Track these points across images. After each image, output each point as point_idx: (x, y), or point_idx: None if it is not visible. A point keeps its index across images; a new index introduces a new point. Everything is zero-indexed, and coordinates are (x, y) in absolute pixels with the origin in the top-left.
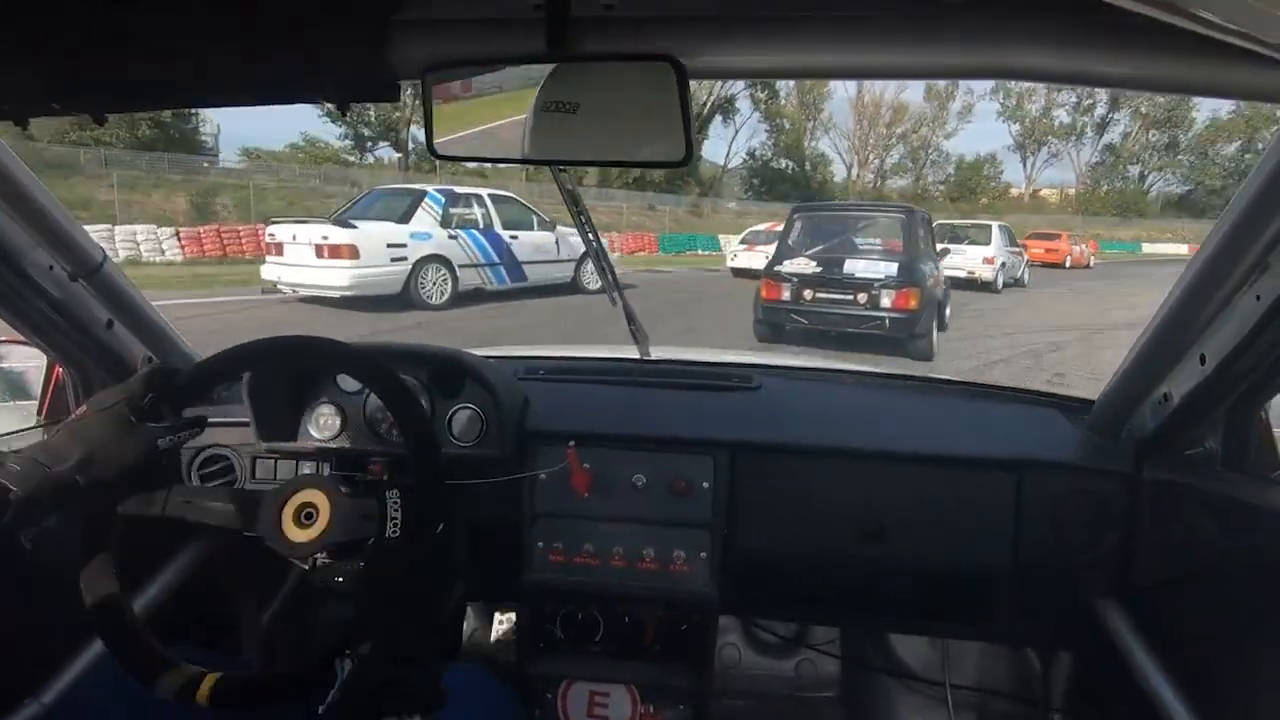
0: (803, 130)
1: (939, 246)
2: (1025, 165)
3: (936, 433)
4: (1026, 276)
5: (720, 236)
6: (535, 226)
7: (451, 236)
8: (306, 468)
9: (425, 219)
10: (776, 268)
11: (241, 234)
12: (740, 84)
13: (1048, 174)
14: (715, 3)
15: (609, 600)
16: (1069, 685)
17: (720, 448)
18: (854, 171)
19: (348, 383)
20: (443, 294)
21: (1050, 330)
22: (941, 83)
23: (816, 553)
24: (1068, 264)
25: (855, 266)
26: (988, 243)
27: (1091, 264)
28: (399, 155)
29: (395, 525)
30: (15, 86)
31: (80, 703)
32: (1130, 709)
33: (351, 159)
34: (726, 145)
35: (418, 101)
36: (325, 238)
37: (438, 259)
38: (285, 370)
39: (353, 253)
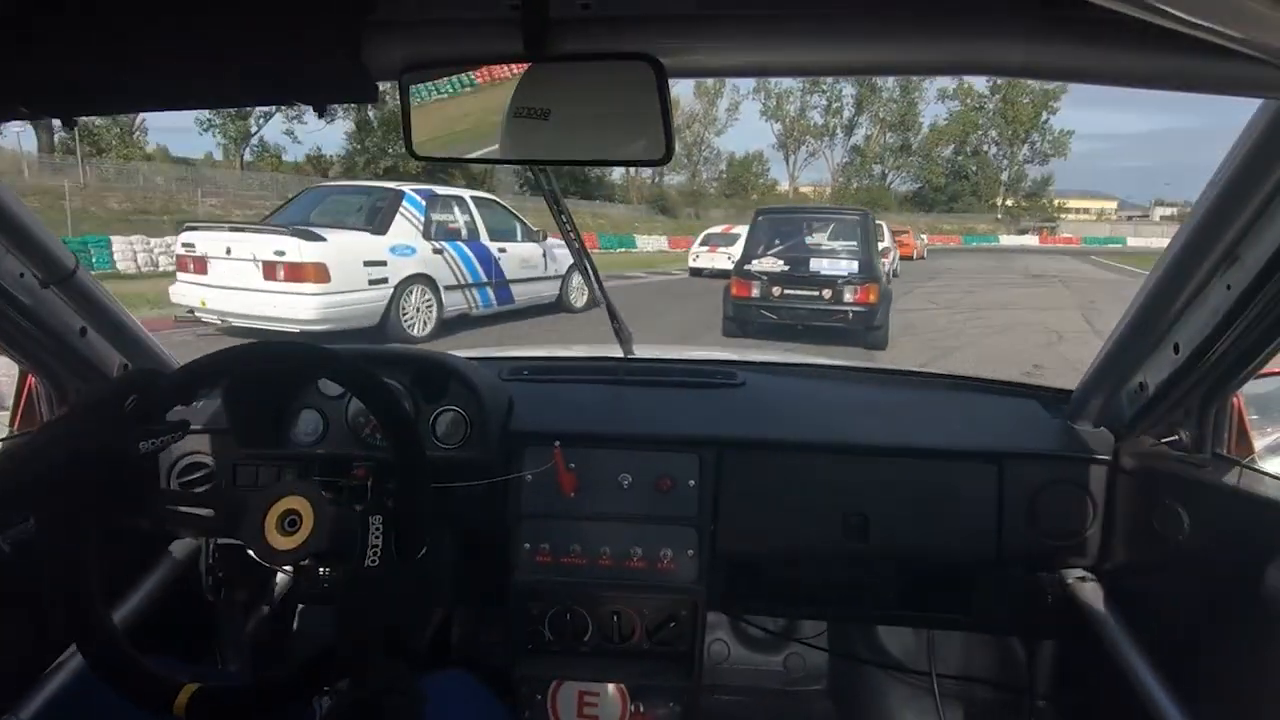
0: None
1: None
2: (788, 163)
3: (918, 426)
4: (898, 269)
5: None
6: (521, 236)
7: (437, 251)
8: (289, 474)
9: (406, 228)
10: (746, 267)
11: None
12: None
13: (808, 173)
14: (693, 2)
15: (597, 600)
16: (1051, 671)
17: (706, 445)
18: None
19: (329, 387)
20: (426, 323)
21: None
22: (710, 80)
23: (803, 547)
24: (915, 256)
25: (820, 265)
26: (880, 239)
27: (926, 256)
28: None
29: (375, 554)
30: None
31: (59, 715)
32: (1112, 693)
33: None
34: None
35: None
36: (280, 253)
37: (423, 279)
38: (266, 375)
39: (321, 274)
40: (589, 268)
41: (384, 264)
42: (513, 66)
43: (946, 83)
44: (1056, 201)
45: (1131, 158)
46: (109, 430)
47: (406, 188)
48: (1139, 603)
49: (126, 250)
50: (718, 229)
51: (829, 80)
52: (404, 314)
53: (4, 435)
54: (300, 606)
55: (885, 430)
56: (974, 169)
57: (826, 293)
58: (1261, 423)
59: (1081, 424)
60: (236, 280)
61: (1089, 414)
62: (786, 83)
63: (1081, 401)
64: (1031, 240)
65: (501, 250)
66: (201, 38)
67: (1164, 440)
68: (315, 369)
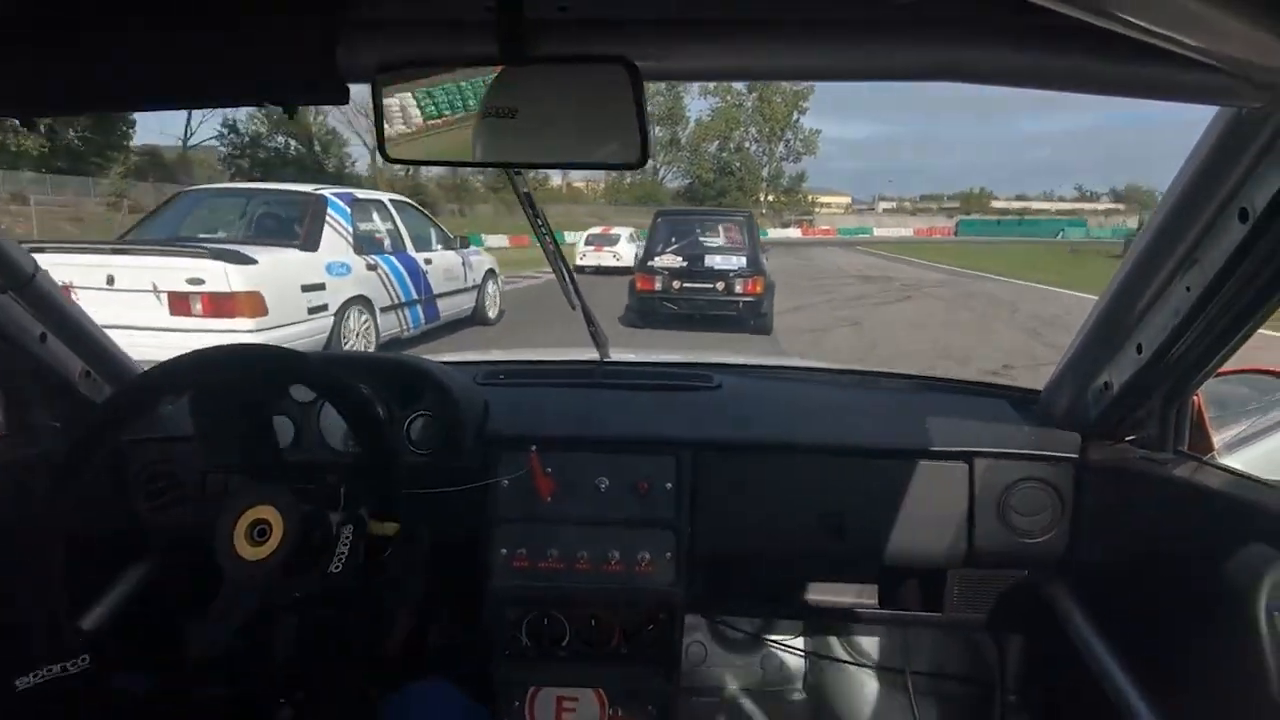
0: None
1: None
2: None
3: (891, 426)
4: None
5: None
6: (439, 243)
7: (370, 267)
8: (259, 482)
9: (337, 242)
10: (649, 263)
11: None
12: None
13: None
14: (669, 5)
15: (575, 604)
16: (1021, 666)
17: (682, 447)
18: (380, 157)
19: (301, 393)
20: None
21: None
22: None
23: (778, 548)
24: None
25: (714, 260)
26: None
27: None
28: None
29: (340, 561)
30: None
31: None
32: (1080, 686)
33: None
34: (185, 116)
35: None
36: (197, 281)
37: (360, 301)
38: (235, 381)
39: (256, 305)
40: (565, 272)
41: (322, 287)
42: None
43: None
44: (810, 197)
45: (850, 160)
46: None
47: (326, 191)
48: (1105, 598)
49: None
50: (598, 229)
51: None
52: (345, 344)
53: None
54: (270, 616)
55: (859, 431)
56: (738, 165)
57: (720, 285)
58: (1221, 420)
59: (1049, 423)
60: (125, 318)
61: (1056, 413)
62: None
63: (1049, 401)
64: (795, 233)
65: (428, 262)
66: (168, 36)
67: (1128, 438)
68: (286, 374)
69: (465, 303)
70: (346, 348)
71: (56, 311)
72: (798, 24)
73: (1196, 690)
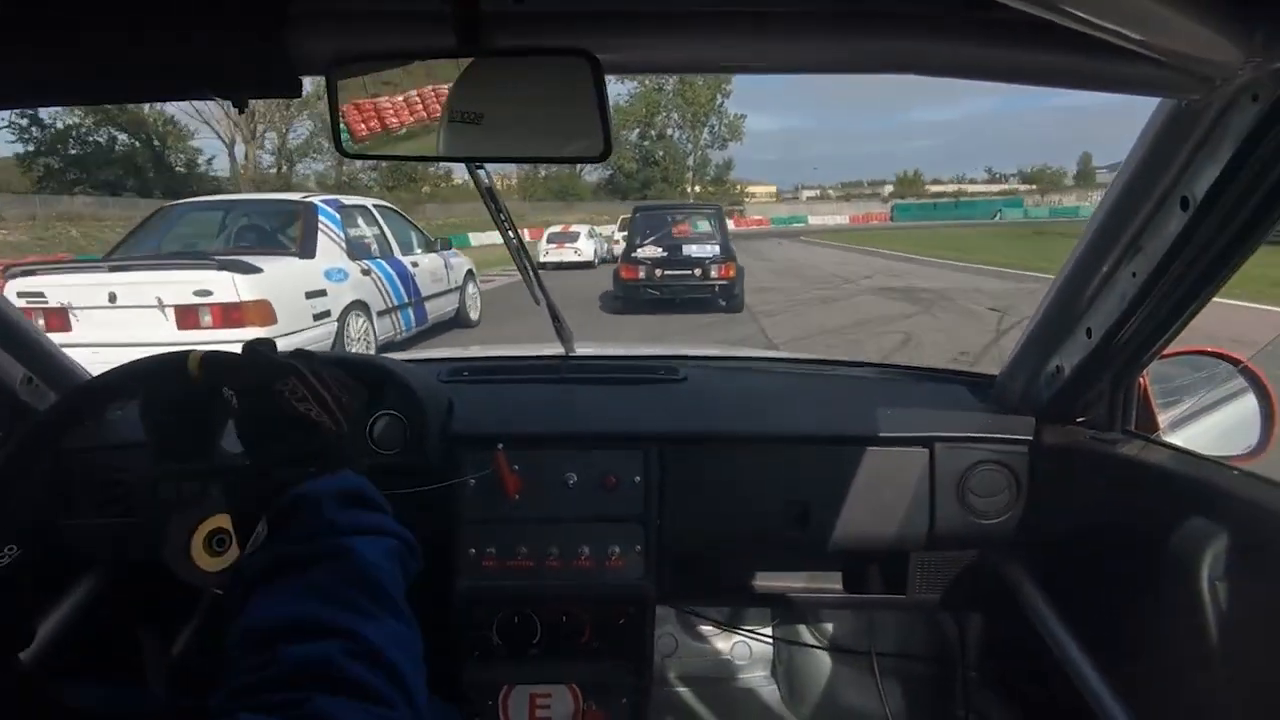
0: None
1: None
2: None
3: (853, 414)
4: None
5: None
6: (421, 247)
7: (365, 272)
8: (214, 489)
9: (331, 249)
10: (632, 255)
11: None
12: None
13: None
14: None
15: (546, 601)
16: (981, 644)
17: (649, 441)
18: (241, 151)
19: (230, 393)
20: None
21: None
22: None
23: (745, 537)
24: None
25: (691, 250)
26: (579, 240)
27: None
28: None
29: None
30: None
31: None
32: (1037, 660)
33: None
34: None
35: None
36: (205, 293)
37: (359, 306)
38: (184, 385)
39: (265, 314)
40: (529, 268)
41: (324, 293)
42: (447, 62)
43: None
44: (740, 186)
45: (767, 151)
46: None
47: (315, 199)
48: (1059, 574)
49: None
50: (558, 228)
51: None
52: (349, 349)
53: None
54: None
55: (823, 419)
56: (662, 154)
57: (697, 271)
58: (1165, 400)
59: (1005, 407)
60: (131, 335)
61: (1011, 397)
62: None
63: (1004, 386)
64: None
65: (415, 265)
66: (109, 26)
67: (1079, 420)
68: (170, 370)
69: (449, 305)
70: (352, 351)
71: None
72: (758, 16)
73: (1146, 658)
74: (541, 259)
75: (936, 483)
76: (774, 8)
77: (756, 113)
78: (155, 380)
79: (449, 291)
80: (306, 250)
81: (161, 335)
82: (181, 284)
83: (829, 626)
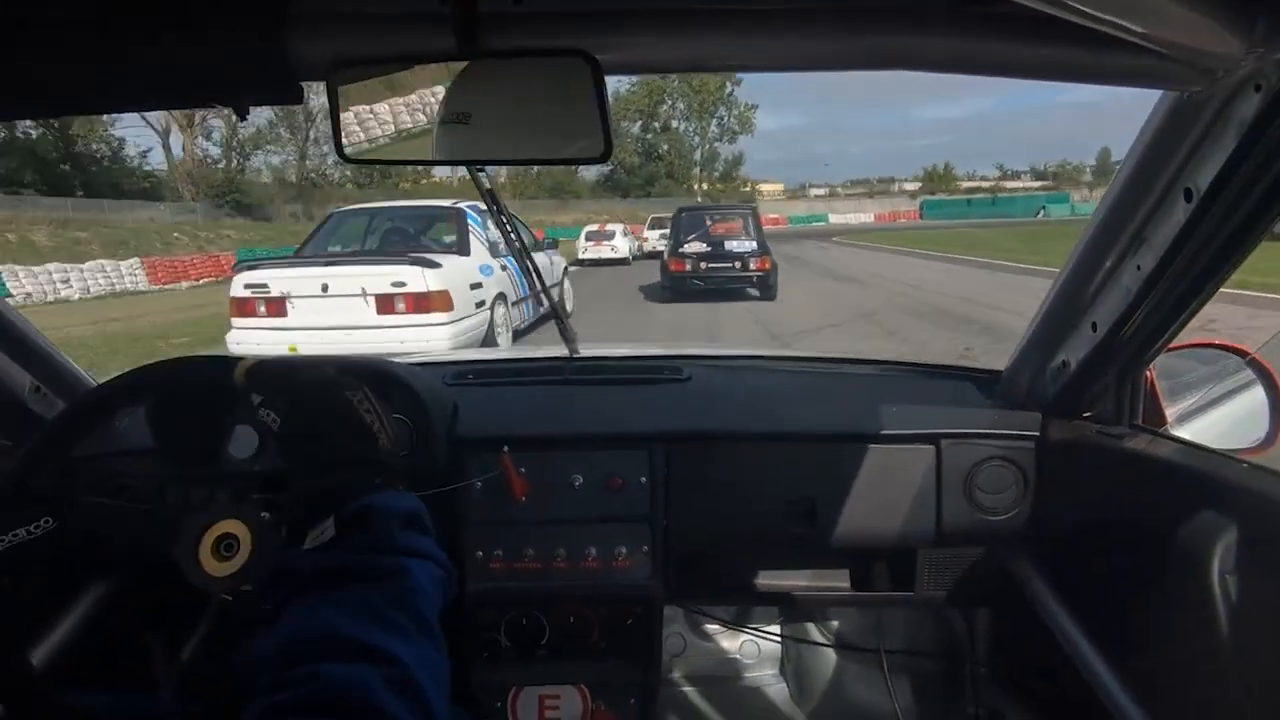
0: None
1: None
2: None
3: (859, 411)
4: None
5: None
6: (531, 245)
7: (502, 268)
8: (223, 494)
9: (479, 248)
10: (679, 250)
11: None
12: None
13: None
14: None
15: (554, 603)
16: (990, 640)
17: (654, 441)
18: (179, 142)
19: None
20: (508, 343)
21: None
22: None
23: (752, 536)
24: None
25: (731, 245)
26: (614, 238)
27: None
28: None
29: None
30: None
31: None
32: (1046, 656)
33: None
34: None
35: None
36: (400, 284)
37: (501, 298)
38: (195, 390)
39: (446, 301)
40: (531, 267)
41: (480, 286)
42: (447, 64)
43: None
44: (751, 184)
45: (768, 151)
46: None
47: (462, 204)
48: (1067, 570)
49: None
50: (594, 227)
51: None
52: (498, 336)
53: None
54: (240, 631)
55: (828, 417)
56: (666, 147)
57: (737, 264)
58: (1172, 393)
59: (1011, 403)
60: (339, 319)
61: (1017, 393)
62: None
63: (1010, 381)
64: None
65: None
66: (109, 35)
67: (1086, 414)
68: (218, 373)
69: (558, 294)
70: (498, 336)
71: (3, 326)
72: (758, 14)
73: (1156, 653)
74: (580, 255)
75: (943, 479)
76: (773, 5)
77: (757, 111)
78: (164, 387)
79: (554, 285)
80: (463, 249)
81: (365, 320)
82: (381, 276)
83: (837, 624)
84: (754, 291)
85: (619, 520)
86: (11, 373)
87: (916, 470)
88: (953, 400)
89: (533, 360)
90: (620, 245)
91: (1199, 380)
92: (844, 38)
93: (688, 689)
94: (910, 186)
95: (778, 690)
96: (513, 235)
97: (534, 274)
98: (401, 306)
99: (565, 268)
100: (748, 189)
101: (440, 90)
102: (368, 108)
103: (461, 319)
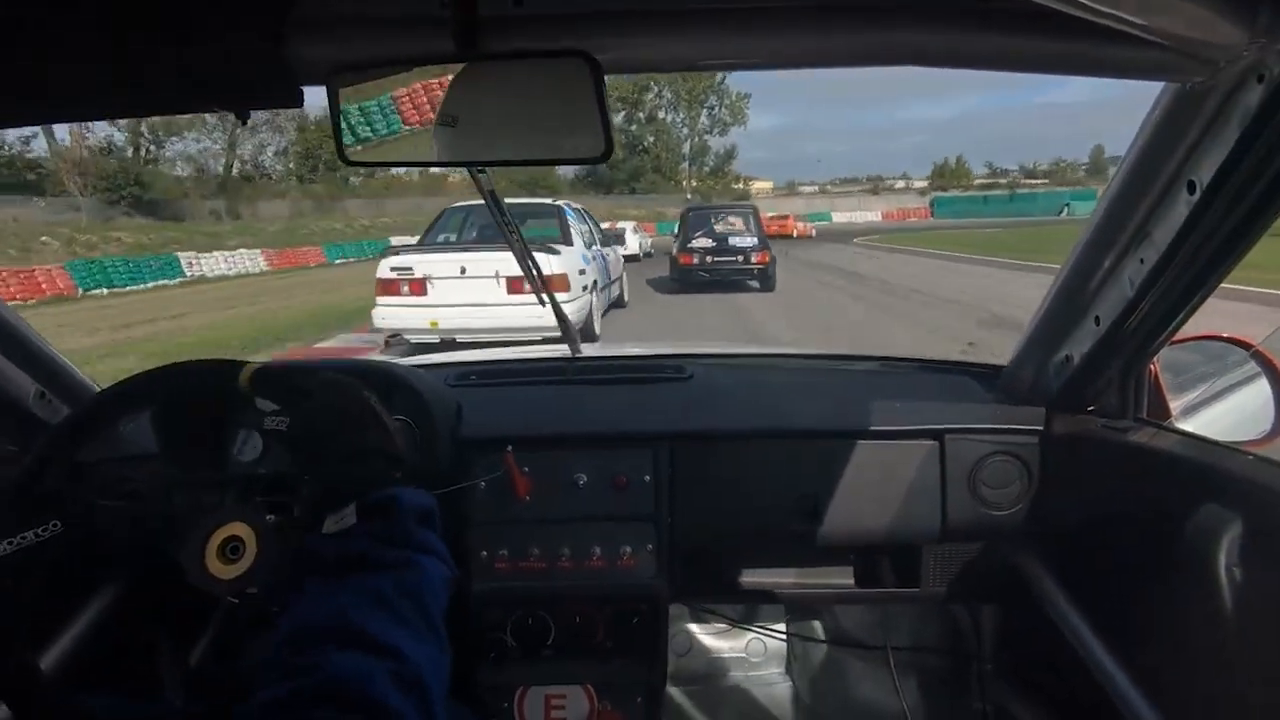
0: None
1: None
2: None
3: (861, 407)
4: (652, 251)
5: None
6: (601, 240)
7: (592, 258)
8: (229, 497)
9: (577, 240)
10: (687, 245)
11: None
12: None
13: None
14: None
15: (559, 602)
16: (996, 635)
17: (658, 440)
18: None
19: (266, 404)
20: (598, 323)
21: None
22: None
23: (757, 534)
24: (795, 234)
25: (734, 241)
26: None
27: (814, 235)
28: None
29: None
30: None
31: None
32: (1052, 651)
33: None
34: None
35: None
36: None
37: (594, 284)
38: (196, 395)
39: (564, 284)
40: (533, 270)
41: (583, 273)
42: (447, 67)
43: None
44: (744, 179)
45: (755, 150)
46: None
47: (560, 201)
48: (1073, 564)
49: None
50: (605, 225)
51: None
52: (594, 317)
53: None
54: (247, 632)
55: (831, 414)
56: (652, 140)
57: (740, 258)
58: (1177, 386)
59: (1014, 397)
60: (474, 298)
61: (1021, 387)
62: None
63: (1013, 376)
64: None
65: (606, 255)
66: (108, 41)
67: (1090, 408)
68: (220, 379)
69: (617, 289)
70: (596, 326)
71: (7, 333)
72: (756, 12)
73: (1163, 647)
74: (624, 252)
75: (947, 475)
76: (772, 3)
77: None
78: (168, 391)
79: (619, 279)
80: (567, 240)
81: (497, 298)
82: (512, 260)
83: (842, 622)
84: (754, 283)
85: (623, 519)
86: (16, 379)
87: (920, 466)
88: (956, 396)
89: (535, 361)
90: (631, 243)
91: (1203, 373)
92: (846, 34)
93: (694, 688)
94: (919, 184)
95: (784, 688)
96: (515, 237)
97: (536, 272)
98: (528, 287)
99: (622, 262)
100: (740, 185)
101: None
102: None
103: (575, 300)
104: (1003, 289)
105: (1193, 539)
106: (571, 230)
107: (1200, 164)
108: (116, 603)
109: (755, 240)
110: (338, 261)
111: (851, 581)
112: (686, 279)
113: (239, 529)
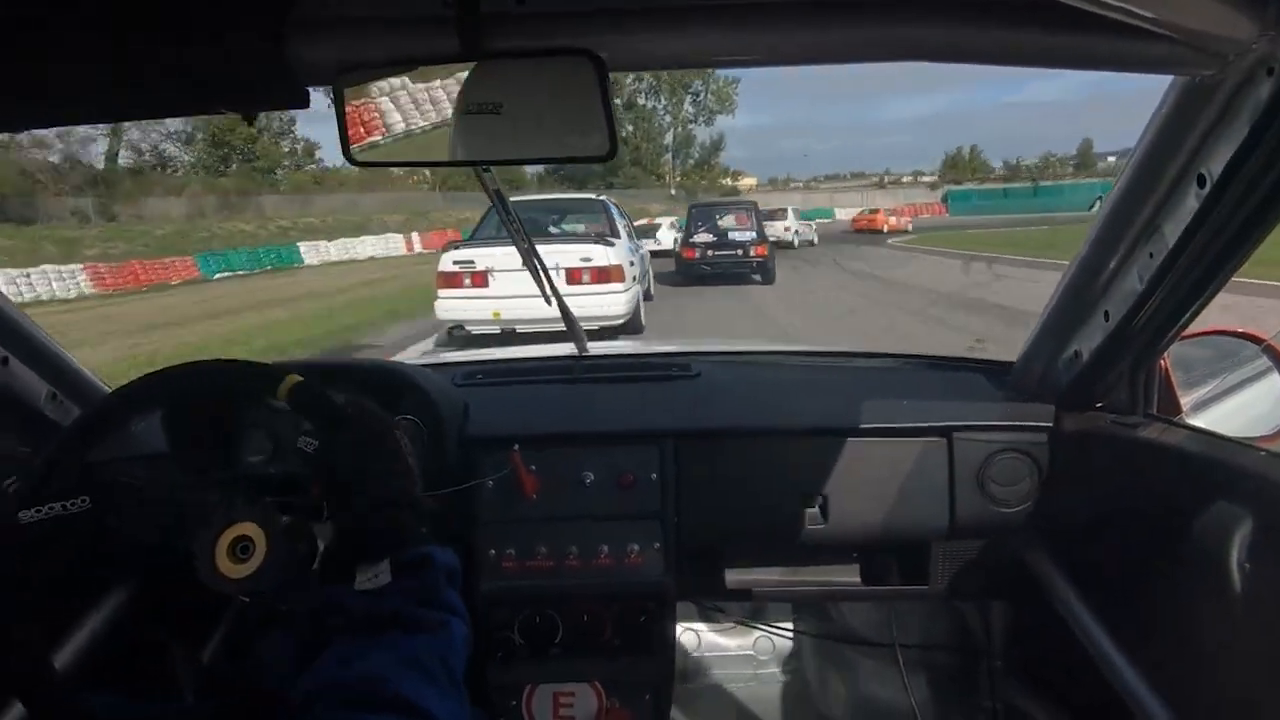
0: None
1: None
2: None
3: (869, 405)
4: (815, 239)
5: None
6: (632, 234)
7: (635, 250)
8: (238, 497)
9: (622, 234)
10: (690, 240)
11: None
12: None
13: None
14: None
15: (567, 601)
16: (1006, 633)
17: (664, 438)
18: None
19: (278, 403)
20: (643, 313)
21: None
22: None
23: (764, 532)
24: (885, 230)
25: (733, 235)
26: (785, 219)
27: (909, 229)
28: None
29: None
30: None
31: None
32: (1063, 649)
33: None
34: None
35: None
36: (587, 259)
37: (638, 275)
38: (209, 396)
39: (620, 274)
40: (539, 267)
41: (633, 264)
42: (452, 66)
43: None
44: (732, 173)
45: (739, 148)
46: None
47: (603, 197)
48: (1083, 561)
49: None
50: (642, 221)
51: None
52: (640, 309)
53: None
54: (258, 630)
55: (839, 411)
56: (631, 129)
57: (739, 251)
58: (1187, 382)
59: (1023, 394)
60: (534, 289)
61: (1030, 384)
62: None
63: (1022, 372)
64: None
65: (641, 248)
66: (113, 43)
67: (1099, 404)
68: (258, 386)
69: (646, 282)
70: (642, 316)
71: (18, 334)
72: (761, 8)
73: (1174, 644)
74: (655, 246)
75: (956, 472)
76: None
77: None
78: (179, 392)
79: (647, 273)
80: (614, 233)
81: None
82: (572, 252)
83: (850, 619)
84: (756, 277)
85: (630, 517)
86: (28, 381)
87: (929, 463)
88: (964, 392)
89: (542, 359)
90: (664, 238)
91: (1214, 368)
92: (852, 29)
93: (702, 685)
94: (929, 177)
95: (792, 686)
96: (520, 235)
97: (542, 270)
98: (586, 278)
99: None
100: (727, 181)
101: (445, 92)
102: None
103: (628, 289)
104: None
105: (1204, 535)
106: (617, 223)
107: (1210, 158)
108: (129, 601)
109: (754, 234)
110: (217, 276)
111: (859, 579)
112: (689, 272)
113: (249, 529)
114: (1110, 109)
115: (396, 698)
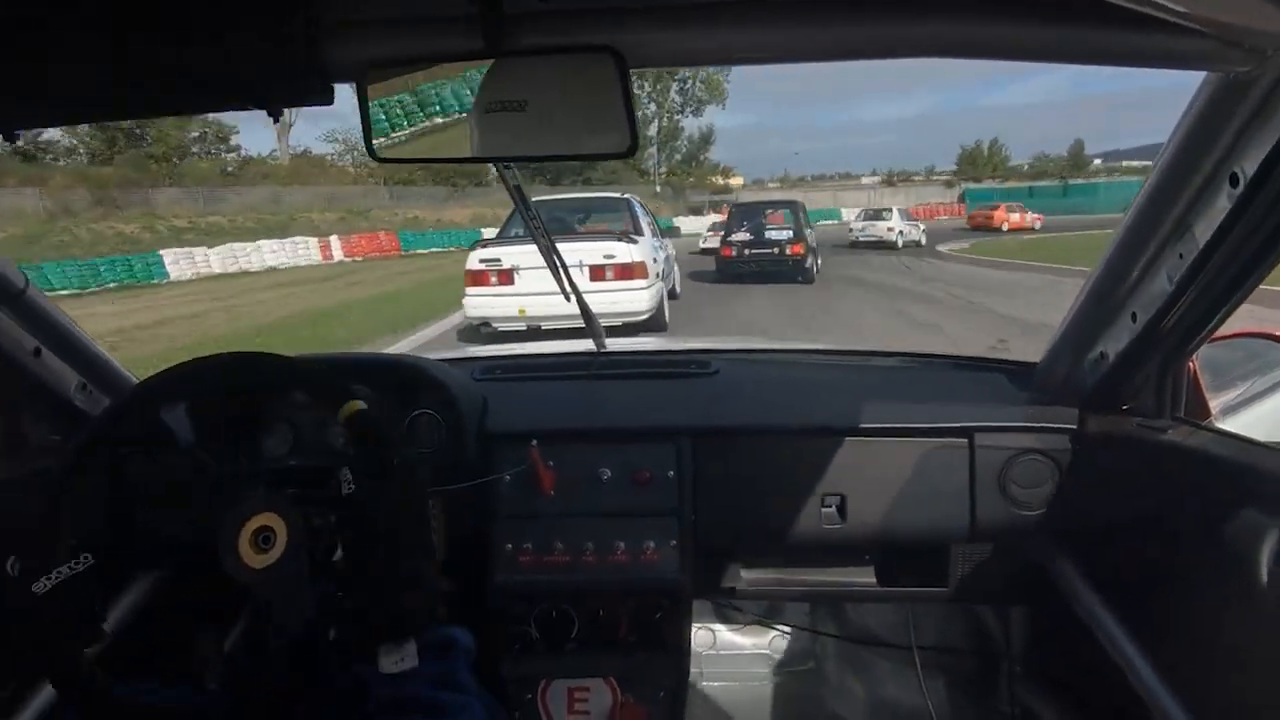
0: None
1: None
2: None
3: (889, 404)
4: (923, 239)
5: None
6: (656, 232)
7: (659, 247)
8: (261, 488)
9: (647, 231)
10: (729, 239)
11: None
12: None
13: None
14: None
15: (583, 596)
16: (1026, 637)
17: (682, 435)
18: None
19: (300, 397)
20: (667, 311)
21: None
22: None
23: (782, 530)
24: (1005, 228)
25: (770, 234)
26: (890, 218)
27: (1036, 226)
28: None
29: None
30: None
31: None
32: (1084, 654)
33: None
34: None
35: None
36: (610, 256)
37: (662, 273)
38: (232, 388)
39: (644, 270)
40: (558, 264)
41: (656, 260)
42: (474, 63)
43: None
44: (723, 169)
45: (727, 150)
46: None
47: (626, 196)
48: (1106, 565)
49: None
50: (719, 218)
51: None
52: (664, 305)
53: None
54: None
55: (858, 411)
56: None
57: (775, 249)
58: (1217, 385)
59: (1046, 395)
60: (557, 286)
61: (1053, 385)
62: None
63: (1046, 373)
64: (716, 218)
65: (665, 246)
66: (140, 39)
67: (1125, 407)
68: (282, 380)
69: (670, 280)
70: (665, 312)
71: (50, 325)
72: (784, 4)
73: (1198, 651)
74: (702, 245)
75: (976, 474)
76: None
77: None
78: (204, 384)
79: (671, 272)
80: (639, 231)
81: (581, 285)
82: (596, 250)
83: (868, 620)
84: (798, 277)
85: (647, 514)
86: (59, 371)
87: (949, 464)
88: (985, 393)
89: (560, 355)
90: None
91: (1244, 371)
92: (877, 24)
93: (717, 683)
94: (943, 175)
95: (807, 685)
96: (540, 231)
97: (562, 267)
98: (610, 275)
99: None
100: (718, 178)
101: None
102: None
103: (652, 286)
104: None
105: (1232, 541)
106: (641, 221)
107: (1244, 156)
108: (154, 593)
109: (790, 233)
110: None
111: (874, 580)
112: (727, 270)
113: (271, 520)
114: (1100, 109)
115: None
